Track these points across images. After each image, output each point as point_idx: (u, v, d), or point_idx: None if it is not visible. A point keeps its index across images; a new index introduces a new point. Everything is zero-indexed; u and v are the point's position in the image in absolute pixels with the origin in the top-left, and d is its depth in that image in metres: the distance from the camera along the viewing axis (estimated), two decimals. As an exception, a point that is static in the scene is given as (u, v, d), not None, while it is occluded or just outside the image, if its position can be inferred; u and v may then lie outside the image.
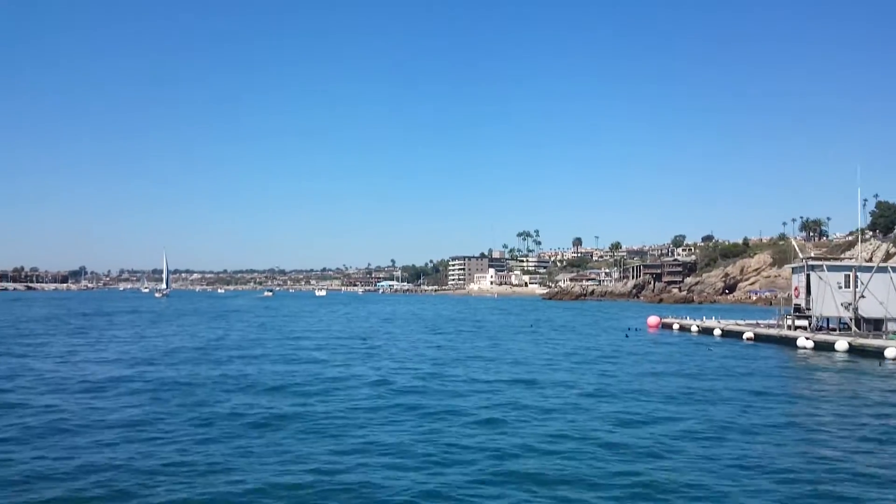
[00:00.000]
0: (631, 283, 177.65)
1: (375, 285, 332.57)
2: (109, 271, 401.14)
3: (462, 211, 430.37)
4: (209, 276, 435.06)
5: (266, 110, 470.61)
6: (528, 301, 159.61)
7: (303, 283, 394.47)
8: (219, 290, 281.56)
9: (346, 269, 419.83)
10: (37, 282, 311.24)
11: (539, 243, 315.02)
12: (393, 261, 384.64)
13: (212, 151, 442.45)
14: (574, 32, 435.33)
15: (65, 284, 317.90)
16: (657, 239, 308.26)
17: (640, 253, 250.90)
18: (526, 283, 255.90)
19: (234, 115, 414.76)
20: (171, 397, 20.34)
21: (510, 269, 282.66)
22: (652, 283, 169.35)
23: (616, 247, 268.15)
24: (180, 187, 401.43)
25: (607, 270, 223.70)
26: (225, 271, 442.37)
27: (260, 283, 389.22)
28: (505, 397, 21.05)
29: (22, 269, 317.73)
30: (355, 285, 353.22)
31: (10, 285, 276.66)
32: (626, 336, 48.70)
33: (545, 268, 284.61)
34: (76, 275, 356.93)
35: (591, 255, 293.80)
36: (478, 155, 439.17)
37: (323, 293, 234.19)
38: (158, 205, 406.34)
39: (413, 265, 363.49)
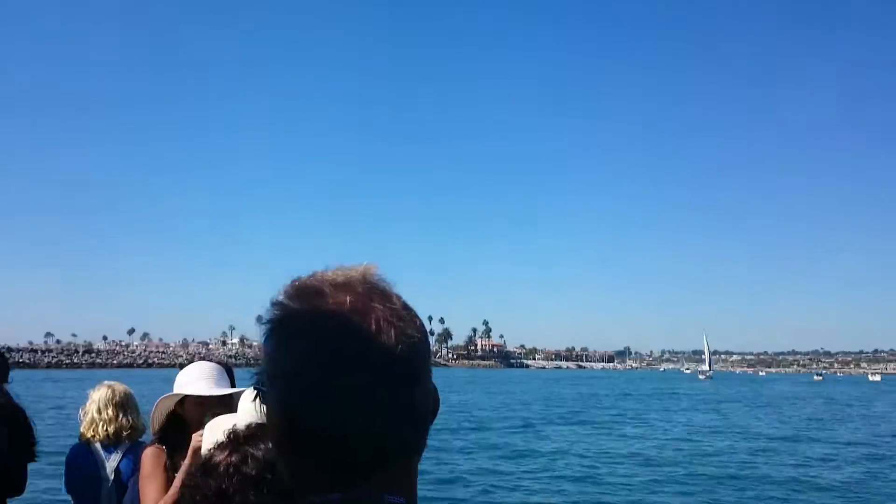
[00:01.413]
0: None
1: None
2: (652, 352, 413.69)
3: None
4: (749, 357, 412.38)
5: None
6: None
7: (851, 365, 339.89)
8: (759, 373, 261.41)
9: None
10: (586, 361, 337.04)
11: None
12: None
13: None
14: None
15: (611, 364, 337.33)
16: None
17: None
18: None
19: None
20: None
21: None
22: None
23: None
24: (720, 271, 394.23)
25: None
26: (766, 353, 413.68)
27: (803, 366, 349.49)
28: None
29: (573, 349, 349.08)
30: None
31: (564, 364, 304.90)
32: None
33: None
34: (621, 354, 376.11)
35: None
36: None
37: (877, 378, 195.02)
38: (697, 287, 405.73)
39: None
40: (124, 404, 3.81)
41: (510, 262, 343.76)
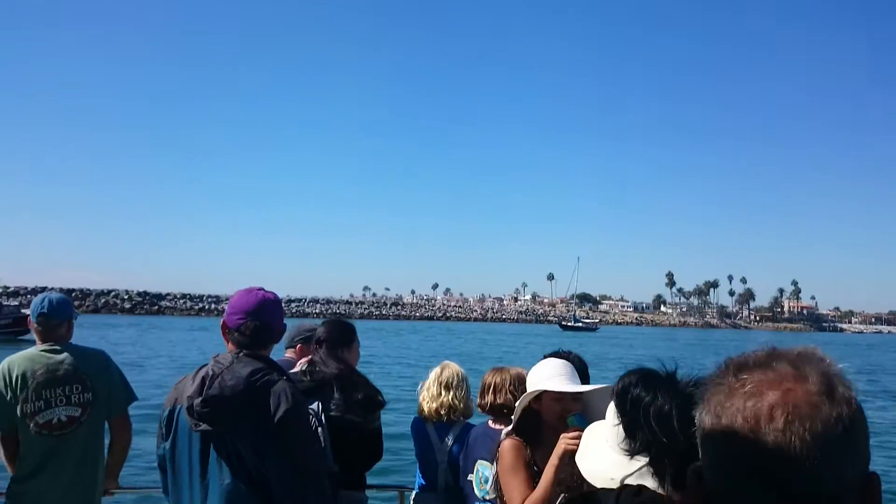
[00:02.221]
0: None
1: None
2: None
3: None
4: None
5: None
6: None
7: None
8: None
9: None
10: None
11: None
12: None
13: None
14: None
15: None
16: None
17: None
18: None
19: None
20: None
21: None
22: None
23: None
24: None
25: None
26: None
27: None
28: None
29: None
30: None
31: (886, 328, 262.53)
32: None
33: None
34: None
35: None
36: None
37: None
38: None
39: None
40: (451, 384, 3.87)
41: (820, 216, 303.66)
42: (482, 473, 3.24)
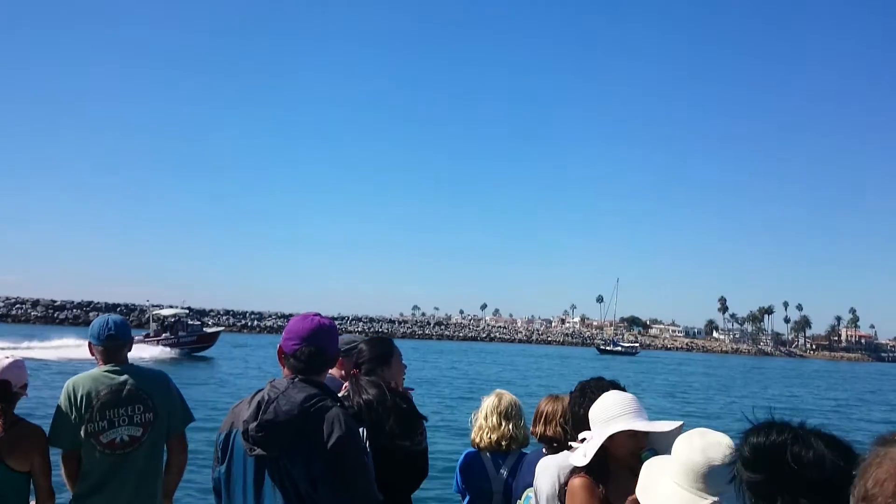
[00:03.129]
0: None
1: None
2: None
3: None
4: None
5: None
6: None
7: None
8: None
9: None
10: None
11: None
12: None
13: None
14: None
15: None
16: None
17: None
18: None
19: None
20: None
21: None
22: None
23: None
24: None
25: None
26: None
27: None
28: None
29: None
30: None
31: None
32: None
33: None
34: None
35: None
36: None
37: None
38: None
39: None
40: (510, 414, 3.86)
41: (881, 242, 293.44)
42: (531, 501, 3.20)
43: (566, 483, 2.80)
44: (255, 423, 2.48)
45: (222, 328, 58.85)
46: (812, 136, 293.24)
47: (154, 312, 53.15)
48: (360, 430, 3.04)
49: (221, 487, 2.67)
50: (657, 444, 2.58)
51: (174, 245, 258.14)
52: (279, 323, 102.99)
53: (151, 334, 47.00)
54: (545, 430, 3.46)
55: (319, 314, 2.78)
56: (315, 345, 2.65)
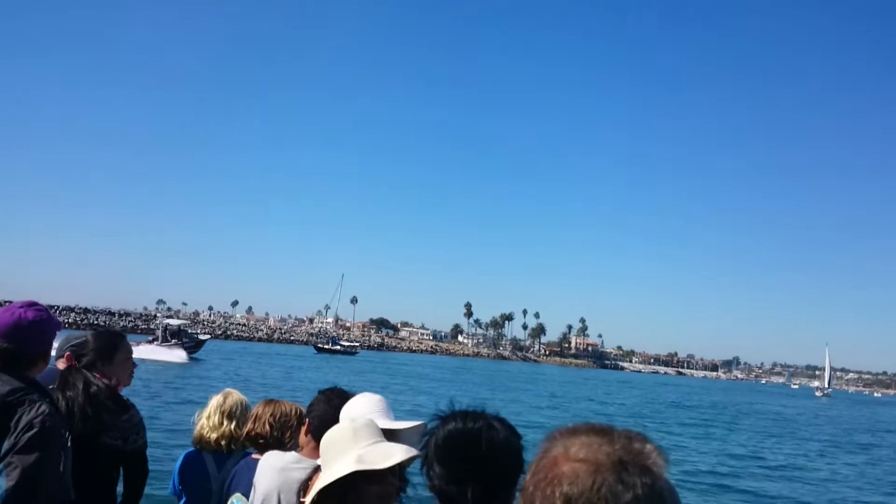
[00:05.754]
0: None
1: None
2: (763, 363, 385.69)
3: None
4: (866, 376, 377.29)
5: None
6: None
7: None
8: (875, 394, 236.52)
9: None
10: (688, 368, 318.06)
11: None
12: None
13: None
14: None
15: (714, 373, 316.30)
16: None
17: None
18: None
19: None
20: None
21: None
22: None
23: None
24: (844, 282, 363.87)
25: None
26: (884, 373, 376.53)
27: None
28: None
29: (675, 354, 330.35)
30: None
31: (662, 369, 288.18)
32: None
33: None
34: (728, 364, 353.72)
35: None
36: None
37: None
38: (819, 299, 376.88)
39: None
40: (233, 413, 3.70)
41: (613, 259, 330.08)
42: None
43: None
44: None
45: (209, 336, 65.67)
46: (544, 156, 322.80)
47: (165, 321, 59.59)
48: (61, 425, 2.83)
49: None
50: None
51: None
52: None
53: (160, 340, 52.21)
54: (253, 427, 3.38)
55: (34, 304, 2.62)
56: (14, 342, 2.53)
